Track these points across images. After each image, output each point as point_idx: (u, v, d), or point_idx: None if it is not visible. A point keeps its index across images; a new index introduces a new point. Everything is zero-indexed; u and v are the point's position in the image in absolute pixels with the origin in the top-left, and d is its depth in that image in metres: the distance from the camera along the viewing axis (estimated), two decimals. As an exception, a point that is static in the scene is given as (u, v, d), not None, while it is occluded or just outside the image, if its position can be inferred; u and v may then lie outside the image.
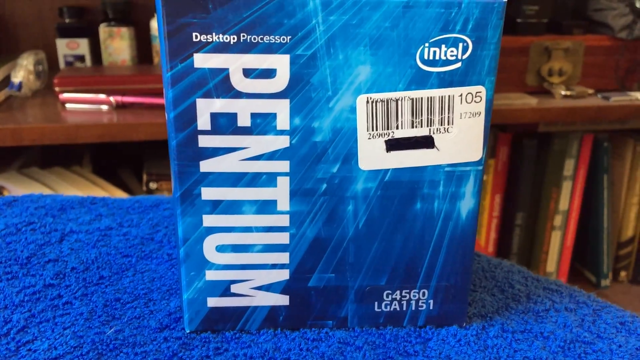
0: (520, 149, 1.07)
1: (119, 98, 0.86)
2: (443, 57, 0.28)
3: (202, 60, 0.27)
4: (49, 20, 1.06)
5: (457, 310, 0.32)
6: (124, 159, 1.07)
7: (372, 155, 0.29)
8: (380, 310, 0.32)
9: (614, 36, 0.97)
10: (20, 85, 0.90)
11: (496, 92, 0.95)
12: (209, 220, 0.30)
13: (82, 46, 1.04)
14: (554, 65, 0.95)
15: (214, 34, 0.26)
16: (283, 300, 0.31)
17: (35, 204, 0.46)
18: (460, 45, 0.27)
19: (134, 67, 0.99)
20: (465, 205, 0.30)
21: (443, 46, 0.27)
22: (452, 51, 0.28)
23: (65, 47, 1.03)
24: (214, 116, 0.28)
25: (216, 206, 0.29)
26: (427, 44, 0.27)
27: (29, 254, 0.39)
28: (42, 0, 1.05)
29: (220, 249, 0.30)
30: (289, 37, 0.27)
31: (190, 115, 0.28)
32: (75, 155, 1.03)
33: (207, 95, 0.27)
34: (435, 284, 0.32)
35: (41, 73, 0.96)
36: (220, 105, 0.28)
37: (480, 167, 0.30)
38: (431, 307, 0.32)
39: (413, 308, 0.32)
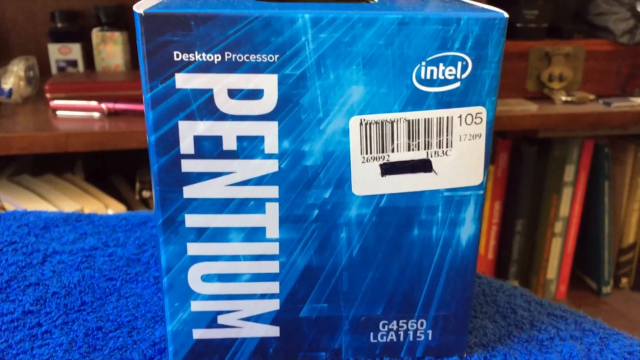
0: (520, 155, 1.05)
1: (111, 105, 0.84)
2: (441, 77, 0.26)
3: (184, 81, 0.25)
4: (41, 25, 1.04)
5: (457, 340, 0.31)
6: (116, 165, 1.05)
7: (366, 179, 0.27)
8: (376, 341, 0.30)
9: (615, 41, 0.95)
10: (10, 92, 0.89)
11: (495, 97, 0.93)
12: (193, 248, 0.28)
13: (74, 51, 1.02)
14: (554, 71, 0.93)
15: (196, 52, 0.25)
16: (273, 331, 0.30)
17: (18, 222, 0.44)
18: (459, 64, 0.26)
19: (127, 73, 0.97)
20: (466, 231, 0.29)
21: (441, 65, 0.26)
22: (450, 70, 0.26)
23: (57, 52, 1.01)
24: (198, 139, 0.26)
25: (201, 234, 0.28)
26: (423, 63, 0.26)
27: (9, 277, 0.38)
28: (34, 5, 1.03)
29: (206, 278, 0.28)
30: (276, 56, 0.25)
31: (172, 138, 0.26)
32: (67, 162, 1.02)
33: (190, 117, 0.26)
34: (434, 313, 0.30)
35: (32, 79, 0.94)
36: (204, 127, 0.26)
37: (481, 192, 0.28)
38: (430, 338, 0.30)
39: (411, 339, 0.30)
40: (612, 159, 1.11)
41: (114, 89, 0.88)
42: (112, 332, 0.32)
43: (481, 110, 0.27)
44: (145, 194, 0.89)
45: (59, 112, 0.84)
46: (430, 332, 0.30)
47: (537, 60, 0.93)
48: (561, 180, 1.08)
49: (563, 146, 1.05)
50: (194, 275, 0.28)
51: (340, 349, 0.30)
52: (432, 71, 0.26)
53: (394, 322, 0.30)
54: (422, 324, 0.30)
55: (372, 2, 0.30)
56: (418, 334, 0.30)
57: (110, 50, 1.02)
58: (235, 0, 0.27)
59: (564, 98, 0.93)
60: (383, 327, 0.30)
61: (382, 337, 0.30)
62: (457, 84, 0.26)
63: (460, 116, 0.27)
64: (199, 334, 0.29)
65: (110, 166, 1.05)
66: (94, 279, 0.38)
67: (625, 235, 1.17)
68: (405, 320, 0.30)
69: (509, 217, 1.10)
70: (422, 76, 0.26)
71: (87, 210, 0.85)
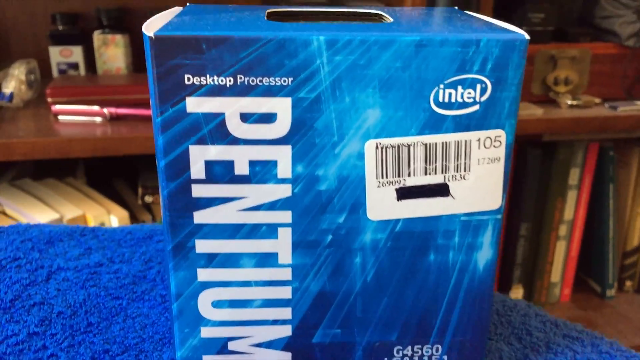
0: (524, 158, 1.04)
1: (113, 110, 0.83)
2: (459, 100, 0.25)
3: (195, 105, 0.24)
4: (42, 27, 1.03)
5: (473, 366, 0.30)
6: (118, 169, 1.05)
7: (382, 204, 0.26)
8: (389, 366, 0.30)
9: (621, 44, 0.94)
10: (11, 96, 0.88)
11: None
12: (204, 274, 0.27)
13: (75, 54, 1.01)
14: (560, 74, 0.93)
15: (208, 76, 0.24)
16: (285, 357, 0.29)
17: (21, 237, 0.44)
18: (479, 86, 0.25)
19: (128, 76, 0.96)
20: (483, 256, 0.28)
21: (459, 88, 0.25)
22: (469, 93, 0.25)
23: (58, 55, 1.01)
24: (209, 164, 0.25)
25: (212, 259, 0.27)
26: (441, 86, 0.25)
27: (13, 296, 0.37)
28: (35, 7, 1.02)
29: (217, 304, 0.28)
30: (290, 79, 0.24)
31: (182, 163, 0.25)
32: (68, 165, 1.01)
33: (201, 141, 0.25)
34: (449, 339, 0.29)
35: (33, 82, 0.93)
36: (216, 152, 0.25)
37: (499, 216, 0.27)
38: (445, 363, 0.30)
39: (425, 364, 0.30)
40: (617, 162, 1.10)
41: (116, 93, 0.88)
42: (120, 356, 0.32)
43: (500, 134, 0.26)
44: (148, 199, 0.89)
45: (60, 117, 0.84)
46: (445, 357, 0.30)
47: (542, 64, 0.92)
48: (566, 184, 1.07)
49: (568, 149, 1.04)
50: (205, 301, 0.28)
51: (354, 375, 0.30)
52: (450, 94, 0.25)
53: (409, 348, 0.29)
54: (437, 350, 0.29)
55: (386, 20, 0.29)
56: (433, 360, 0.30)
57: (112, 53, 1.01)
58: (247, 20, 0.26)
59: (569, 102, 0.92)
60: (397, 352, 0.29)
61: (396, 363, 0.29)
62: (476, 107, 0.25)
63: (479, 139, 0.26)
64: (209, 360, 0.29)
65: (112, 170, 1.04)
66: (100, 298, 0.37)
67: (629, 238, 1.16)
68: (420, 346, 0.29)
69: (513, 221, 1.10)
70: (440, 99, 0.25)
71: (89, 216, 0.84)
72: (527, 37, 0.25)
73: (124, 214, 0.85)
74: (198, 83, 0.24)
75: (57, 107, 0.83)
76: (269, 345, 0.29)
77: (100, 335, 0.33)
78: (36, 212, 0.85)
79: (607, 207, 1.12)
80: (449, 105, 0.25)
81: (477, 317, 0.29)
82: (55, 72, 1.00)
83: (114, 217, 0.85)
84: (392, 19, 0.28)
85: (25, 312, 0.35)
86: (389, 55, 0.24)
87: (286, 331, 0.29)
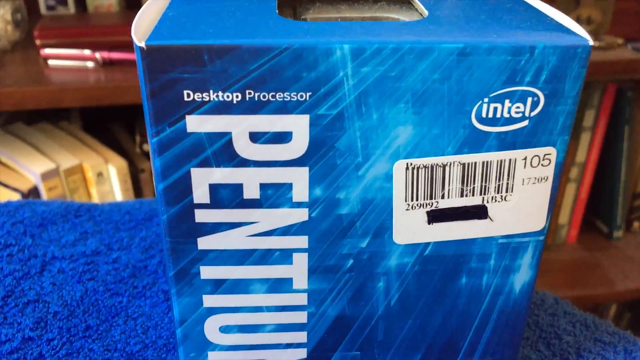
0: (538, 100, 1.00)
1: (106, 54, 0.78)
2: (506, 115, 0.21)
3: (197, 124, 0.21)
4: (26, -41, 0.96)
5: (502, 386, 0.28)
6: (114, 112, 1.00)
7: (410, 227, 0.23)
8: (412, 388, 0.27)
9: (650, -21, 0.88)
10: (-3, 38, 0.82)
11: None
12: (210, 300, 0.25)
13: (64, -12, 0.94)
14: (582, 13, 0.87)
15: (211, 91, 0.20)
16: (300, 380, 0.27)
17: (12, 219, 0.41)
18: (529, 99, 0.21)
19: (121, 14, 0.90)
20: (520, 278, 0.25)
21: (507, 101, 0.21)
22: (517, 107, 0.21)
23: (45, -11, 0.94)
24: (214, 188, 0.22)
25: (219, 285, 0.24)
26: (486, 100, 0.21)
27: (5, 292, 0.34)
28: None
29: (225, 329, 0.25)
30: (308, 94, 0.21)
31: (183, 186, 0.22)
32: (63, 108, 0.96)
33: (205, 164, 0.22)
34: (477, 360, 0.27)
35: (20, 22, 0.88)
36: (222, 175, 0.22)
37: (542, 238, 0.24)
38: (472, 385, 0.28)
39: (451, 386, 0.28)
40: (633, 104, 1.06)
41: (108, 34, 0.82)
42: (122, 368, 0.30)
43: (551, 152, 0.22)
44: (146, 147, 0.85)
45: (50, 61, 0.79)
46: (473, 379, 0.27)
47: (564, 2, 0.86)
48: (580, 126, 1.03)
49: (585, 91, 0.99)
50: (212, 327, 0.25)
51: (374, 397, 0.28)
52: (495, 109, 0.21)
53: (434, 370, 0.27)
54: (464, 372, 0.27)
55: (417, 9, 0.25)
56: (459, 382, 0.27)
57: (103, -14, 0.94)
58: (256, 18, 0.22)
59: (591, 43, 0.87)
60: (421, 374, 0.27)
61: (419, 385, 0.27)
62: (525, 123, 0.22)
63: (525, 158, 0.22)
64: (218, 384, 0.27)
65: (109, 113, 1.00)
66: (98, 294, 0.35)
67: (640, 180, 1.14)
68: (446, 368, 0.27)
69: (523, 164, 1.07)
70: (484, 114, 0.21)
71: (86, 165, 0.81)
72: (591, 42, 0.21)
73: (122, 163, 0.82)
74: (200, 99, 0.20)
75: (47, 51, 0.78)
76: (282, 369, 0.26)
77: (99, 341, 0.31)
78: (31, 162, 0.82)
79: (621, 149, 1.08)
80: (493, 121, 0.22)
81: (509, 338, 0.27)
82: (43, 9, 0.94)
83: (112, 167, 0.82)
84: (425, 11, 0.23)
85: (19, 312, 0.33)
86: (425, 65, 0.20)
87: (301, 354, 0.26)
